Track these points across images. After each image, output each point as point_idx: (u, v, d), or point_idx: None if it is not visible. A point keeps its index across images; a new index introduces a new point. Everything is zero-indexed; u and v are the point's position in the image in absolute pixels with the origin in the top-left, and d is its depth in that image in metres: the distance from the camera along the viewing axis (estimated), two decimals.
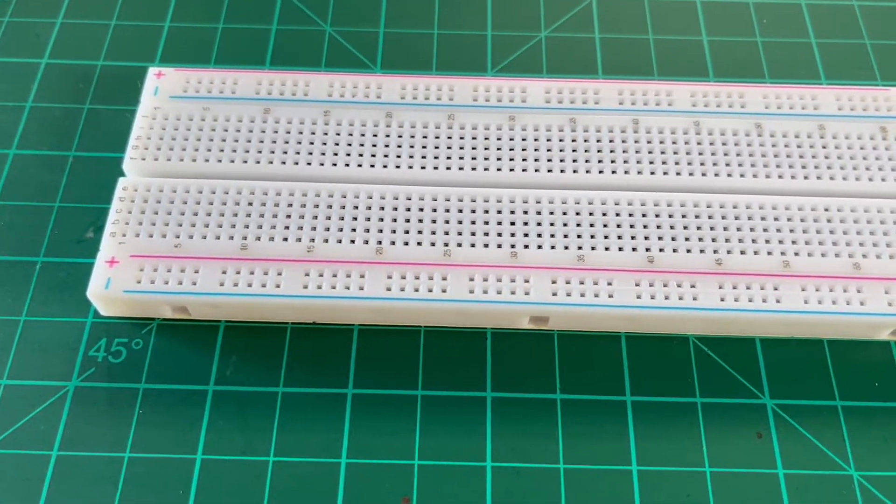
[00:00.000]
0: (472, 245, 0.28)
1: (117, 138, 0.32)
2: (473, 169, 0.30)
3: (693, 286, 0.27)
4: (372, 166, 0.30)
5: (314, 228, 0.28)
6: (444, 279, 0.27)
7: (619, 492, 0.26)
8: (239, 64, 0.35)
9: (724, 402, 0.27)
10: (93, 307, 0.29)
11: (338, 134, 0.30)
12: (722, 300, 0.27)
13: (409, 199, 0.29)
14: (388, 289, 0.27)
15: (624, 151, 0.30)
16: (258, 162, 0.30)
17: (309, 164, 0.30)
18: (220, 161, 0.30)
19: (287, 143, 0.30)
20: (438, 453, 0.26)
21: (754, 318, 0.27)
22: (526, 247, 0.28)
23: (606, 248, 0.28)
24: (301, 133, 0.30)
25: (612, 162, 0.30)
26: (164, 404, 0.27)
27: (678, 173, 0.30)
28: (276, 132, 0.30)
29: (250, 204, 0.29)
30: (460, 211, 0.29)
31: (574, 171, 0.30)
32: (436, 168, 0.30)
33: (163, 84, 0.31)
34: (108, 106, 0.33)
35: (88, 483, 0.26)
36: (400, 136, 0.30)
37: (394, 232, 0.28)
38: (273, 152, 0.30)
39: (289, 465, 0.26)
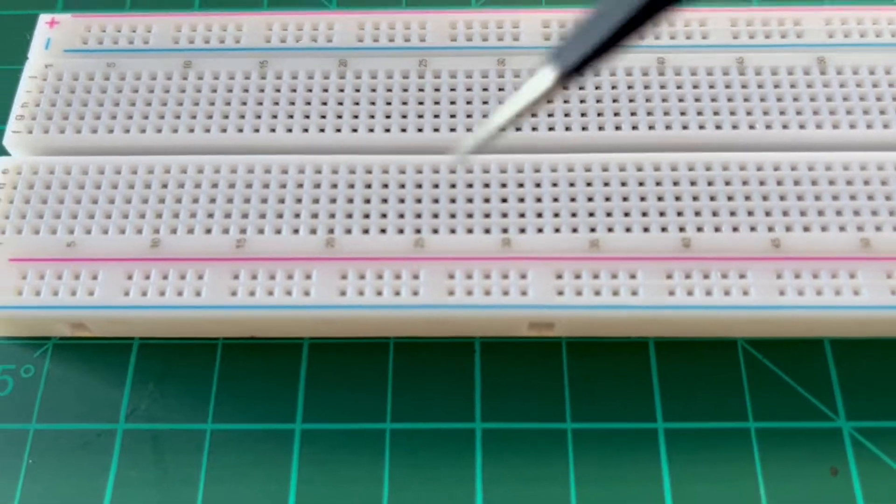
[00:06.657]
0: (452, 230, 0.24)
1: None
2: (452, 130, 0.25)
3: (742, 276, 0.23)
4: (321, 131, 0.25)
5: (245, 216, 0.24)
6: (416, 277, 0.23)
7: None
8: (159, 8, 0.30)
9: (785, 426, 0.24)
10: None
11: (277, 91, 0.26)
12: (781, 293, 0.23)
13: (369, 173, 0.24)
14: (343, 292, 0.23)
15: (647, 101, 0.25)
16: (175, 131, 0.25)
17: (240, 130, 0.25)
18: (127, 132, 0.25)
19: (213, 104, 0.26)
20: None
21: (824, 316, 0.23)
22: (522, 231, 0.24)
23: (627, 230, 0.24)
24: (230, 91, 0.26)
25: (633, 115, 0.25)
26: (61, 450, 0.23)
27: (718, 126, 0.25)
28: (199, 91, 0.26)
29: (164, 186, 0.25)
30: (436, 186, 0.24)
31: (583, 129, 0.25)
32: (403, 130, 0.25)
33: (56, 35, 0.27)
34: None
35: None
36: (357, 91, 0.26)
37: (349, 217, 0.24)
38: (195, 117, 0.25)
39: None
